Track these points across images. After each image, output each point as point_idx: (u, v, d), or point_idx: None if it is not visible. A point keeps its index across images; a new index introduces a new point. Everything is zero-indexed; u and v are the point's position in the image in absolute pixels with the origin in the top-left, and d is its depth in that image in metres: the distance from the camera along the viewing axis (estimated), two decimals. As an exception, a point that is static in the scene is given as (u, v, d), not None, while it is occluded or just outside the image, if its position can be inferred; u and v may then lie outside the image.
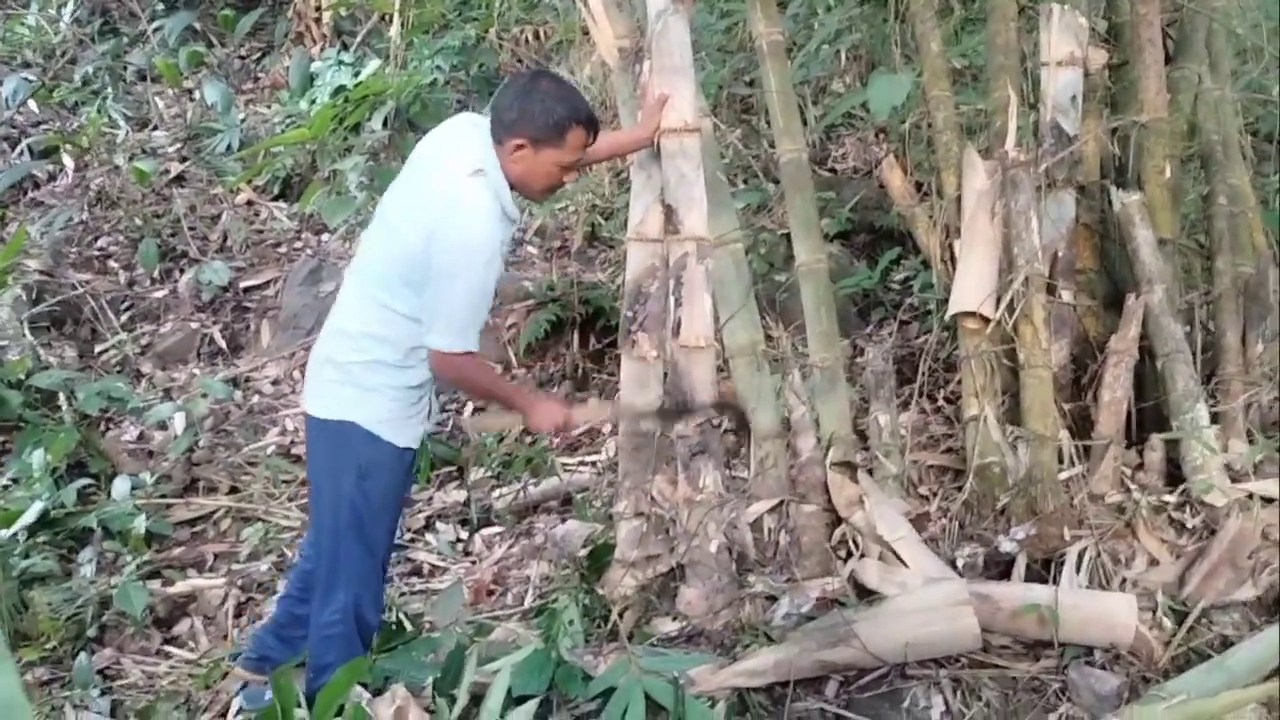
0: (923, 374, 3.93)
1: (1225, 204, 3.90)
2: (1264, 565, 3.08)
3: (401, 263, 2.76)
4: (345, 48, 7.43)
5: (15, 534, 4.04)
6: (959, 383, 3.77)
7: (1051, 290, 3.65)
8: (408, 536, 4.31)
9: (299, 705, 2.58)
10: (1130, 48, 3.88)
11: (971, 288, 3.57)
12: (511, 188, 2.83)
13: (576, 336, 5.45)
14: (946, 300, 3.71)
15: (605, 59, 3.72)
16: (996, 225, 3.61)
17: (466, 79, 6.99)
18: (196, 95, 7.50)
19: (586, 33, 5.08)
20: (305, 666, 3.04)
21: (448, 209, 2.70)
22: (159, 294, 6.09)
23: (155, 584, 4.04)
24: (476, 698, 2.91)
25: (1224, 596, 3.07)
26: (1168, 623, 3.06)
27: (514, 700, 2.88)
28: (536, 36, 6.96)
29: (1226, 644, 2.96)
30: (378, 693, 2.89)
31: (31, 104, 7.40)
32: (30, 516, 4.10)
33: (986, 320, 3.55)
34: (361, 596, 2.95)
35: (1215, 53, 4.06)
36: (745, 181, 5.83)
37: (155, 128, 7.30)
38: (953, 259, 3.76)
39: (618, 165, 5.67)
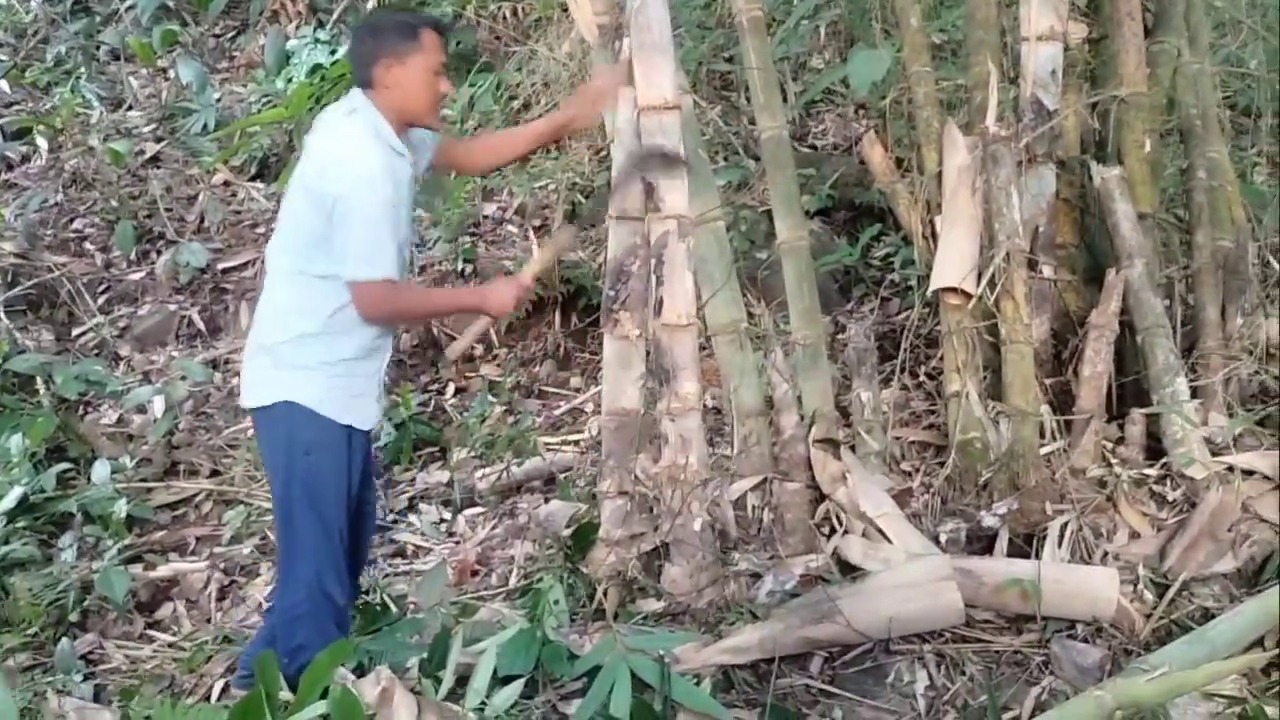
0: (904, 350, 3.93)
1: (1204, 178, 3.90)
2: (1244, 538, 3.11)
3: (306, 223, 2.82)
4: (321, 25, 7.32)
5: (-6, 519, 4.01)
6: (941, 359, 3.77)
7: (1032, 265, 3.66)
8: (390, 518, 4.29)
9: (282, 689, 2.57)
10: (1110, 21, 3.88)
11: (953, 263, 3.57)
12: (402, 125, 2.90)
13: (558, 316, 5.43)
14: (928, 276, 3.70)
15: (584, 36, 3.69)
16: (977, 201, 3.60)
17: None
18: (171, 75, 7.39)
19: (565, 9, 5.05)
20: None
21: (329, 155, 2.81)
22: (136, 276, 6.01)
23: (137, 568, 4.02)
24: (462, 679, 2.91)
25: (1204, 569, 3.09)
26: (1149, 595, 3.08)
27: (499, 680, 2.88)
28: (514, 13, 6.89)
29: (1207, 616, 2.98)
30: (360, 674, 2.89)
31: (3, 84, 7.29)
32: (9, 502, 4.07)
33: (968, 296, 3.54)
34: (323, 572, 2.92)
35: (1194, 26, 4.05)
36: (725, 159, 5.80)
37: (130, 108, 7.21)
38: (934, 235, 3.75)
39: (598, 143, 5.64)
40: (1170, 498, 3.30)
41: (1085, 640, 3.01)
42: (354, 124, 2.84)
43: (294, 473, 2.88)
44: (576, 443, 4.63)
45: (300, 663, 2.70)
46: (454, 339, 5.31)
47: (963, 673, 2.97)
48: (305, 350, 2.85)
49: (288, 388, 2.86)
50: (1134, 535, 3.25)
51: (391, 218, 2.80)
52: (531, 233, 5.71)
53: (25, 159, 6.82)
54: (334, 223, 2.76)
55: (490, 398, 4.94)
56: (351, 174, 2.76)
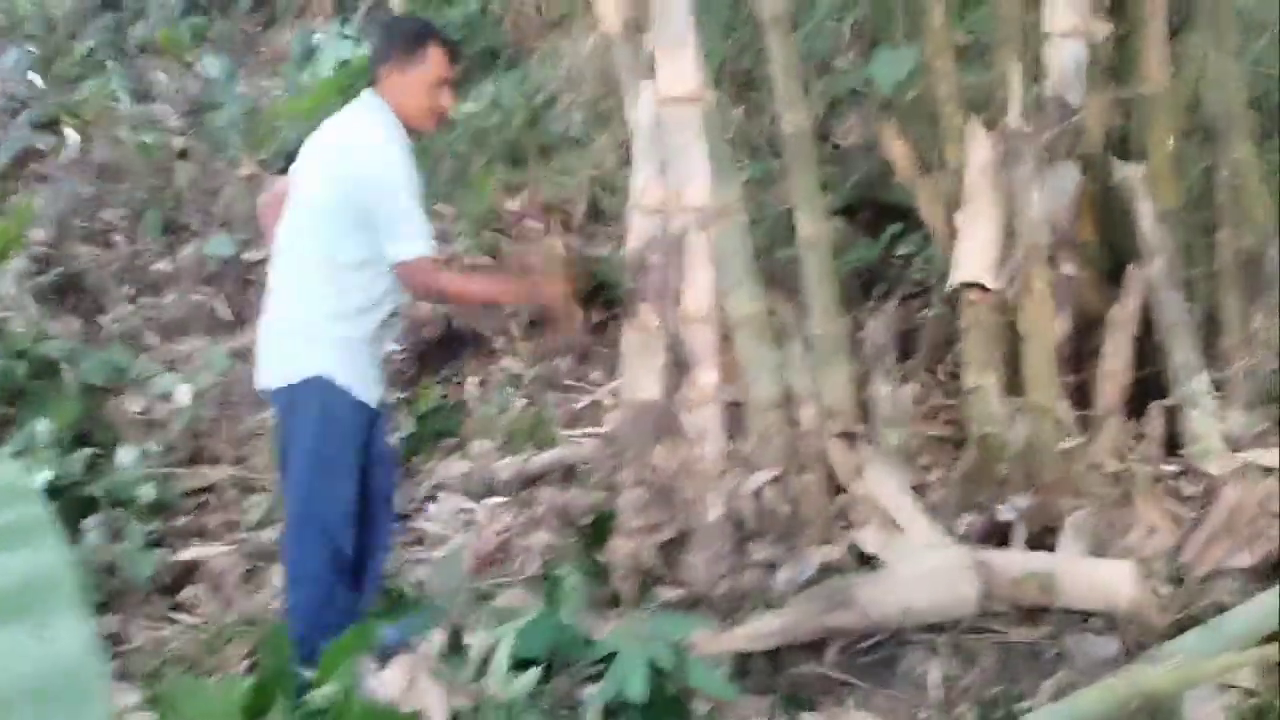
0: (924, 346, 3.94)
1: (1229, 177, 3.89)
2: (1261, 533, 3.10)
3: (333, 214, 2.94)
4: (347, 20, 7.40)
5: (21, 503, 4.04)
6: (961, 355, 3.77)
7: (1054, 262, 3.66)
8: (411, 507, 4.32)
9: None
10: (1134, 19, 3.87)
11: (974, 258, 3.58)
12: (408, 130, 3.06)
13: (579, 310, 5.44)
14: (949, 272, 3.71)
15: (607, 30, 3.71)
16: (999, 197, 3.61)
17: (469, 53, 6.96)
18: (199, 69, 7.48)
19: (589, 2, 5.08)
20: None
21: (354, 141, 2.99)
22: (162, 266, 6.08)
23: (161, 552, 4.06)
24: (481, 664, 2.93)
25: (1221, 564, 3.09)
26: (1165, 589, 3.08)
27: (516, 665, 2.90)
28: (538, 10, 6.93)
29: (1224, 611, 2.96)
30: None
31: (33, 77, 7.38)
32: (38, 485, 4.10)
33: (988, 291, 3.55)
34: (336, 554, 3.04)
35: (1221, 24, 4.03)
36: (750, 157, 5.80)
37: (157, 100, 7.29)
38: (955, 230, 3.76)
39: (619, 136, 5.66)
40: (1188, 494, 3.30)
41: (1100, 633, 3.01)
42: (368, 119, 3.00)
43: (320, 453, 2.98)
44: (595, 435, 4.65)
45: (311, 649, 2.72)
46: (477, 333, 5.40)
47: (976, 664, 2.98)
48: (338, 327, 2.97)
49: (322, 362, 2.97)
50: (1151, 530, 3.25)
51: (420, 197, 2.94)
52: (559, 226, 5.73)
53: (55, 151, 6.90)
54: (369, 207, 2.87)
55: (510, 390, 4.96)
56: (382, 157, 2.91)
